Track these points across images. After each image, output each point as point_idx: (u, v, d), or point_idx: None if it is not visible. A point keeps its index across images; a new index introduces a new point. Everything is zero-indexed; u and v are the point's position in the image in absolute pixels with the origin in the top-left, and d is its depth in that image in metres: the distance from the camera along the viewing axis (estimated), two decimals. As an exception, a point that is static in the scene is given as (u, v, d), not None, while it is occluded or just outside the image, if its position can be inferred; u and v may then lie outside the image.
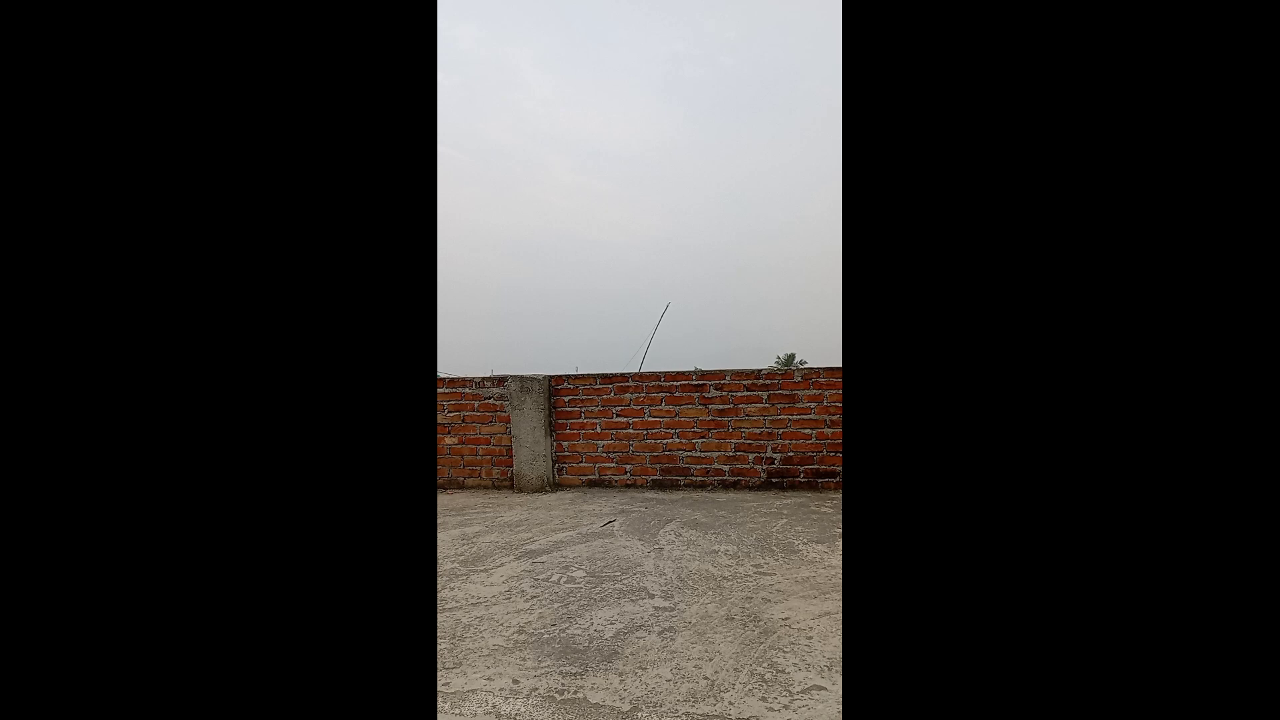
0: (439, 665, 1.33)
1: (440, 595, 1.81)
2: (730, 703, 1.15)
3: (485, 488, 3.76)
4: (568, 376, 3.74)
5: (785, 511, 2.83)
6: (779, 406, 3.44)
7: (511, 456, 3.69)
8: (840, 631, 1.45)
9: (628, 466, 3.62)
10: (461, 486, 3.79)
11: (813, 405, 3.41)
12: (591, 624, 1.56)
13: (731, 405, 3.49)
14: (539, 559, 2.17)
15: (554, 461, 3.70)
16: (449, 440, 3.80)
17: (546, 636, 1.48)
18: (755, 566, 2.01)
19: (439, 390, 3.79)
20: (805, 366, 3.57)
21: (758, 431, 3.46)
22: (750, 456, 3.47)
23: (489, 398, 3.76)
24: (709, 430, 3.52)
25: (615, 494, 3.45)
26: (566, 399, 3.70)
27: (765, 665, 1.30)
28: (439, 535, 2.59)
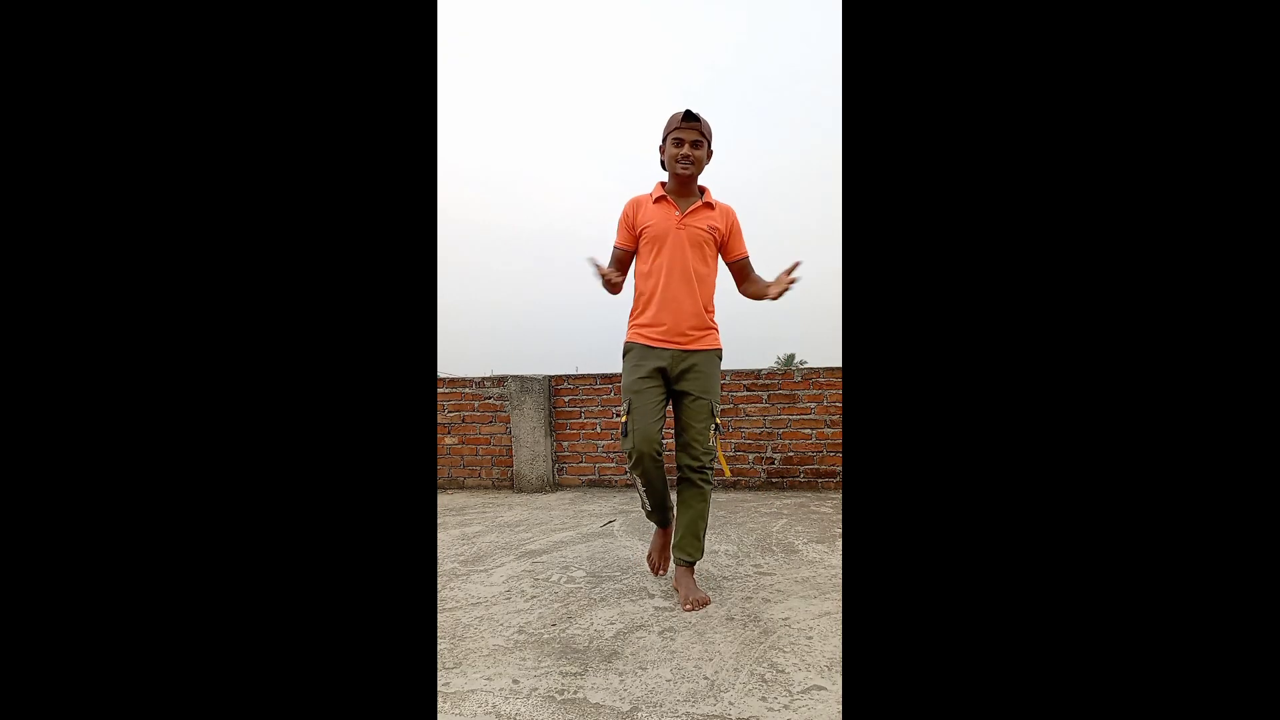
0: (439, 665, 1.33)
1: (440, 595, 1.81)
2: (730, 703, 1.15)
3: (485, 488, 3.76)
4: (568, 376, 3.74)
5: (785, 511, 2.83)
6: (779, 406, 3.44)
7: (511, 456, 3.69)
8: (840, 631, 1.45)
9: (628, 466, 3.62)
10: (461, 486, 3.79)
11: (813, 405, 3.41)
12: (591, 624, 1.56)
13: (731, 405, 3.49)
14: (539, 559, 2.17)
15: (554, 461, 3.70)
16: (449, 440, 3.80)
17: (546, 636, 1.48)
18: (755, 566, 2.01)
19: (439, 390, 3.79)
20: (805, 366, 3.57)
21: (757, 431, 3.46)
22: (750, 456, 3.47)
23: (489, 397, 3.76)
24: (709, 430, 3.52)
25: (615, 494, 3.45)
26: (566, 399, 3.70)
27: (765, 665, 1.30)
28: (439, 535, 2.59)
